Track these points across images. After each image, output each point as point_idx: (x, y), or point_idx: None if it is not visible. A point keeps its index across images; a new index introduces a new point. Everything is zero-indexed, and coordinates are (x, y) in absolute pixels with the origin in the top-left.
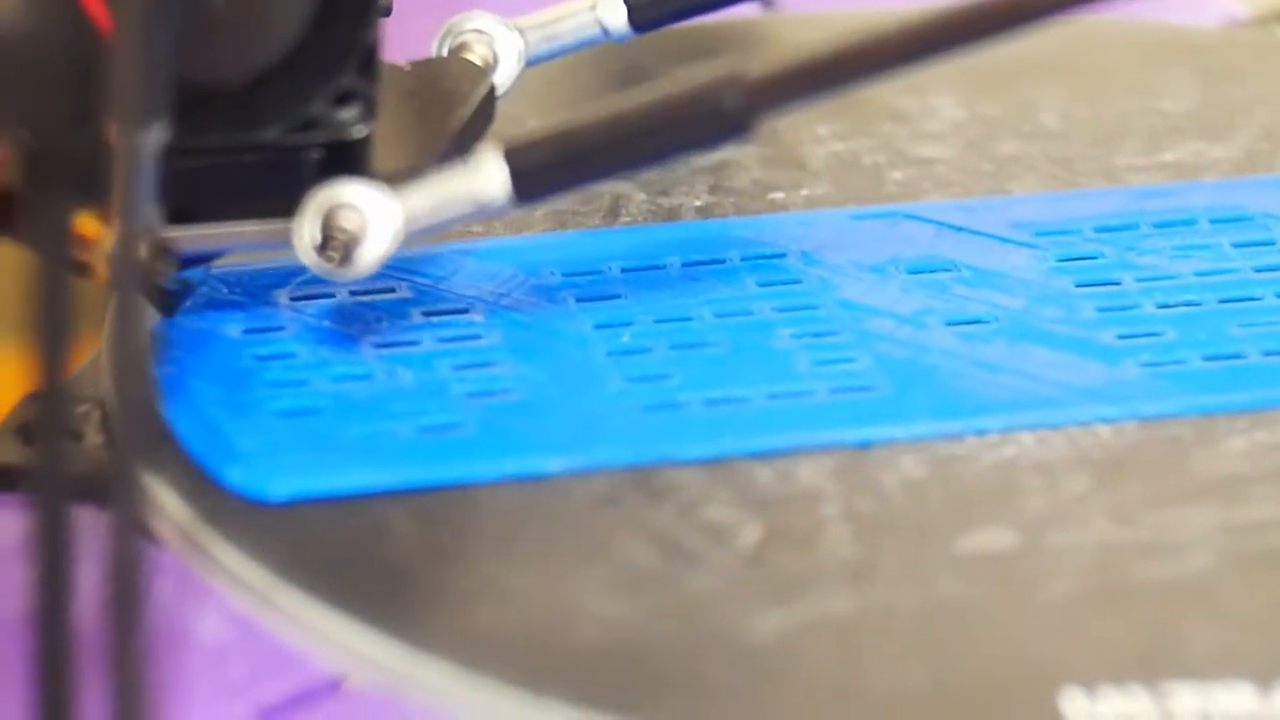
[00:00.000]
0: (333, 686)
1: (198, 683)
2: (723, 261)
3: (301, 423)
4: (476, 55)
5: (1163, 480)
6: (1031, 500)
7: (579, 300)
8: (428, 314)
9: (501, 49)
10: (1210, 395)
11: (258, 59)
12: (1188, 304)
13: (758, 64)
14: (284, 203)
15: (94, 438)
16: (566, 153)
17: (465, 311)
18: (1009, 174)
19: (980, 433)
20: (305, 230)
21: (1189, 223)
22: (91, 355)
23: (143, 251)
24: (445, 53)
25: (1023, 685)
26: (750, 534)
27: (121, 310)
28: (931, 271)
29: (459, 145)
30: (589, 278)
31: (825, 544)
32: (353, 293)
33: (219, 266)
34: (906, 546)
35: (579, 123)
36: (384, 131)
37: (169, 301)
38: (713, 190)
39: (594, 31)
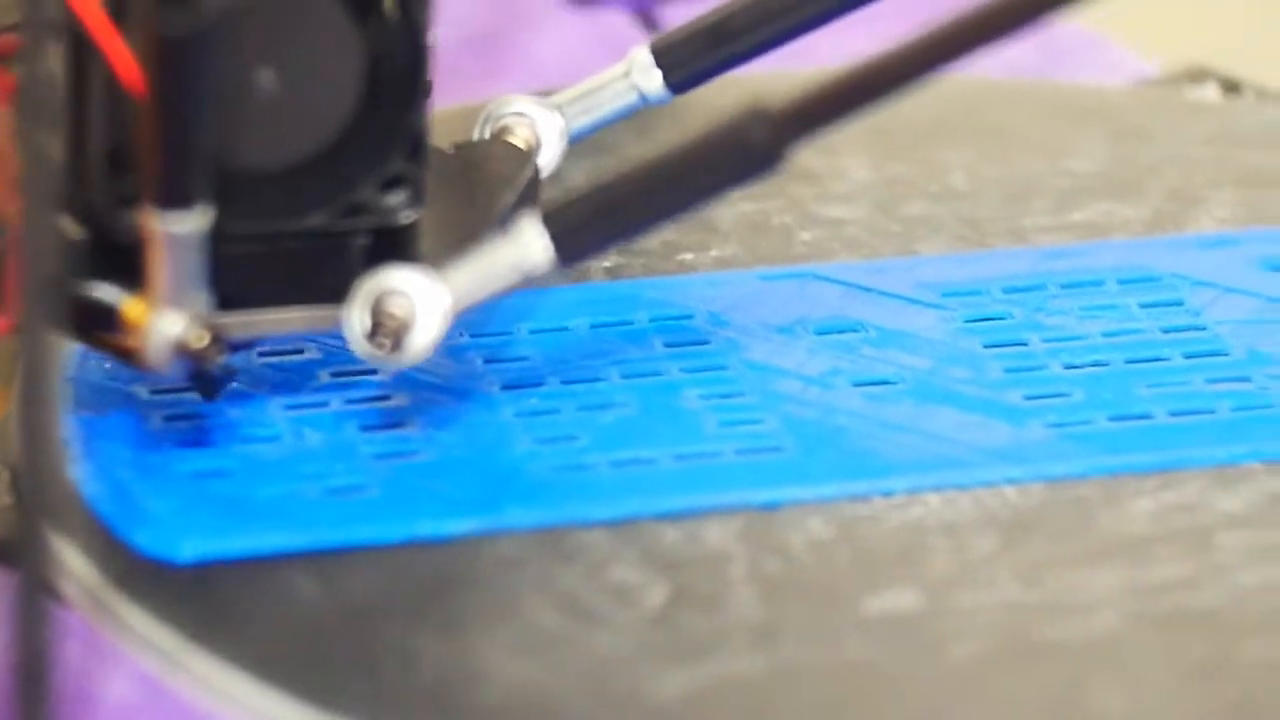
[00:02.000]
0: None
1: None
2: (631, 323)
3: (210, 484)
4: (519, 138)
5: (1069, 541)
6: (938, 561)
7: (487, 361)
8: (336, 375)
9: (543, 130)
10: (1117, 456)
11: (305, 144)
12: (1095, 364)
13: (781, 96)
14: (331, 288)
15: (3, 499)
16: (603, 209)
17: (373, 373)
18: (917, 234)
19: (887, 494)
20: (355, 318)
21: (1097, 283)
22: (0, 417)
23: (193, 338)
24: (487, 136)
25: None
26: (657, 595)
27: (30, 371)
28: (839, 332)
29: (504, 230)
30: (497, 339)
31: (732, 605)
32: (261, 354)
33: None
34: (813, 607)
35: (612, 178)
36: (429, 215)
37: (213, 387)
38: (621, 251)
39: (632, 99)
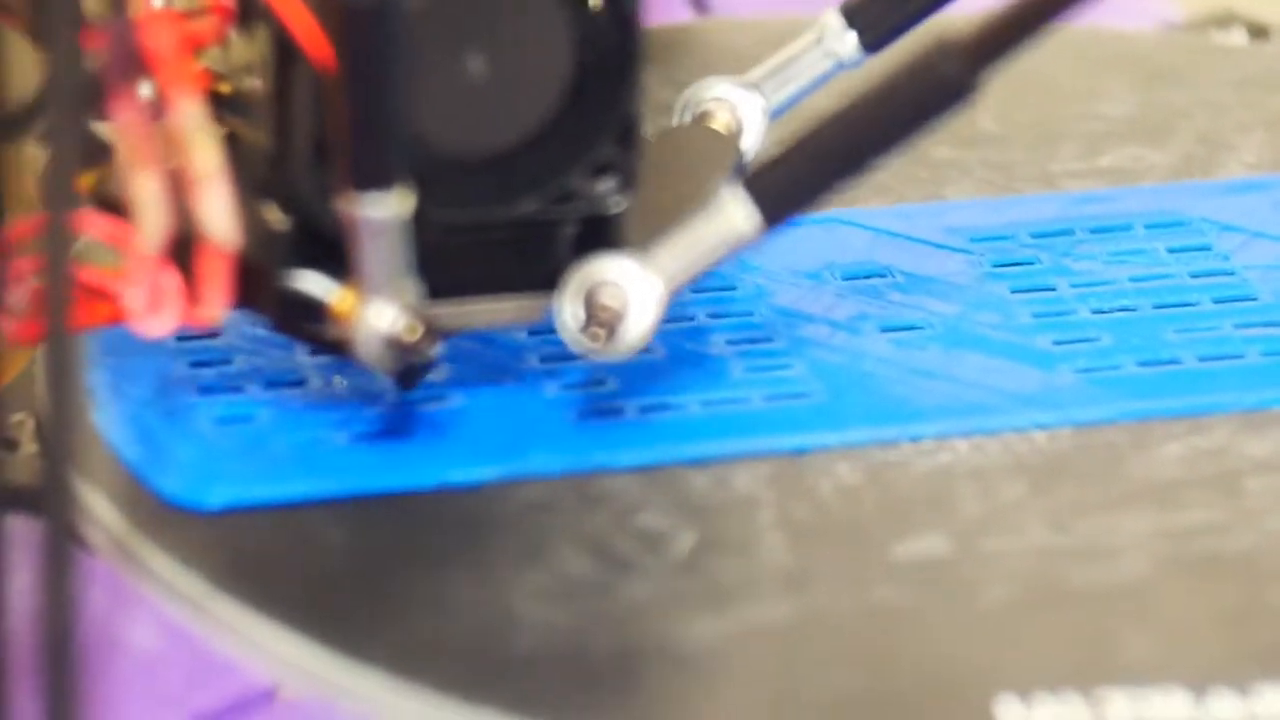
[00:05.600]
0: (266, 696)
1: (130, 692)
2: None
3: (236, 430)
4: (719, 123)
5: (1098, 486)
6: (967, 506)
7: None
8: None
9: (745, 112)
10: (1146, 401)
11: (515, 131)
12: (1123, 309)
13: (965, 25)
14: (541, 276)
15: (29, 446)
16: (803, 165)
17: None
18: (945, 179)
19: (915, 439)
20: (567, 310)
21: (1125, 228)
22: (26, 364)
23: (406, 330)
24: (687, 122)
25: (958, 692)
26: (685, 541)
27: (55, 319)
28: (867, 277)
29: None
30: None
31: (760, 551)
32: None
33: None
34: (842, 553)
35: (807, 133)
36: (636, 204)
37: (413, 377)
38: None
39: (828, 65)
